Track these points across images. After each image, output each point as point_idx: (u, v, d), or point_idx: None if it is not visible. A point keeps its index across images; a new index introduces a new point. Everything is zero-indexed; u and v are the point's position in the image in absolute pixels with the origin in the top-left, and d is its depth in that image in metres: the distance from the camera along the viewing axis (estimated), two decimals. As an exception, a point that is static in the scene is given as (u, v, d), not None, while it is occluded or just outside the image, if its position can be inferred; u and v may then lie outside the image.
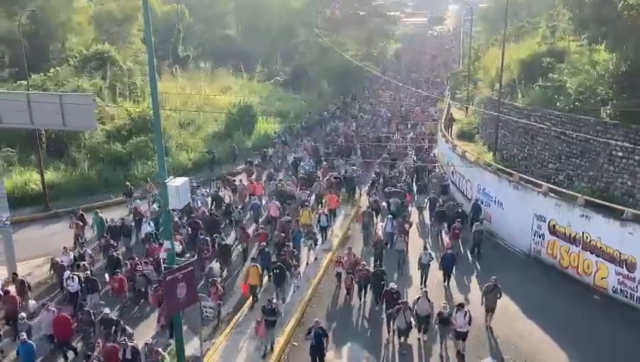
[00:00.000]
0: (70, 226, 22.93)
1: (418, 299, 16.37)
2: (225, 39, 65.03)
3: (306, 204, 25.27)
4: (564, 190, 21.80)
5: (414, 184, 29.87)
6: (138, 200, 26.61)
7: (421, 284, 19.58)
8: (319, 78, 58.18)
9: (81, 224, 23.06)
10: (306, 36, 64.30)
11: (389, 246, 22.14)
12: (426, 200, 26.65)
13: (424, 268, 19.67)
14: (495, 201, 24.65)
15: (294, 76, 58.34)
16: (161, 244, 19.35)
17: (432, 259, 19.88)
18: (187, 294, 12.49)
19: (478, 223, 22.78)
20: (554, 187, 22.22)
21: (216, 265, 19.70)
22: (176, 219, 22.52)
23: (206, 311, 15.39)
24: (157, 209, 24.04)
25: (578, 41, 29.52)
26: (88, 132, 31.87)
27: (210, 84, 47.53)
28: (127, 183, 28.17)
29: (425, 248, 20.58)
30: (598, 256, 19.27)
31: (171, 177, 12.68)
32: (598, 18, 25.58)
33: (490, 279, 17.35)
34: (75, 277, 18.03)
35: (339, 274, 19.72)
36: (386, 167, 32.01)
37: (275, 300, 16.57)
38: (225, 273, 20.59)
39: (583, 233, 19.80)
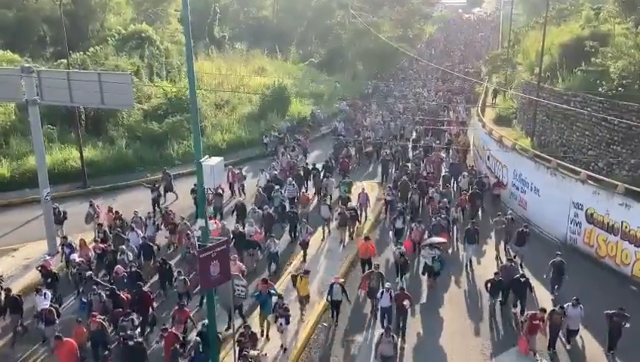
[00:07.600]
0: None
1: None
2: (260, 20, 65.01)
3: (303, 273, 17.02)
4: (603, 178, 21.27)
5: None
6: (47, 255, 18.98)
7: None
8: (354, 60, 57.85)
9: None
10: (341, 17, 63.81)
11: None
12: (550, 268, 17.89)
13: None
14: (531, 188, 24.22)
15: (329, 58, 58.00)
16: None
17: None
18: (220, 272, 12.63)
19: (570, 305, 15.20)
20: (593, 174, 21.69)
21: None
22: (89, 273, 16.87)
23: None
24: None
25: (624, 24, 28.45)
26: (126, 111, 32.52)
27: (245, 65, 47.67)
28: (56, 205, 21.68)
29: None
30: (637, 246, 18.82)
31: (206, 156, 12.79)
32: (646, -1, 24.64)
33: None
34: None
35: None
36: (415, 193, 23.92)
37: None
38: None
39: (622, 222, 19.35)
